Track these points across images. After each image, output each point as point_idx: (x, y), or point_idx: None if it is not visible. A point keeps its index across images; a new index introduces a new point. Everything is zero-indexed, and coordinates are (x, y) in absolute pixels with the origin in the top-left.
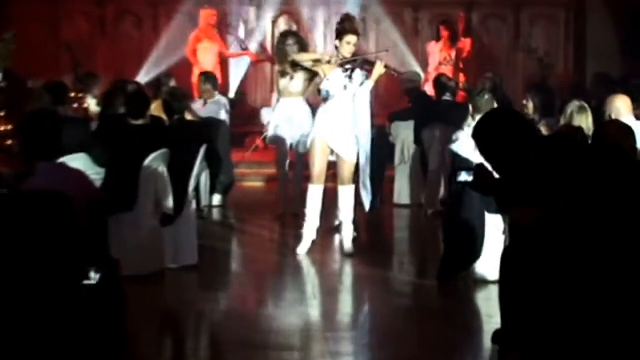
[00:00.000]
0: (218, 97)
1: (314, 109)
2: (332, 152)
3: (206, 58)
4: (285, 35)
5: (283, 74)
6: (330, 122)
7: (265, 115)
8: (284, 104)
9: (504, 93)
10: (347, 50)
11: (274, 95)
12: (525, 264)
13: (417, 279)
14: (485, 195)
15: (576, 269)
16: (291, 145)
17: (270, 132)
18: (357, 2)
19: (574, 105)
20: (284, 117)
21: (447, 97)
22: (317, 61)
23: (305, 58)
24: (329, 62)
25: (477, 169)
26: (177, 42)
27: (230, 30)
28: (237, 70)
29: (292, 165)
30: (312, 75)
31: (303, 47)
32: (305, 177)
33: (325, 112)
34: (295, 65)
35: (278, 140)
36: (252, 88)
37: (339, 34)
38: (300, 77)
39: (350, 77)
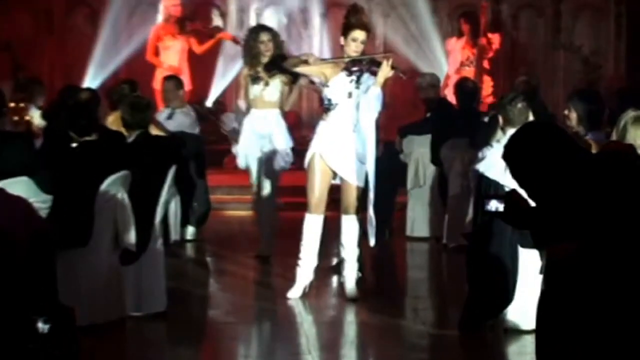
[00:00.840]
0: (187, 106)
1: (289, 125)
2: (335, 175)
3: (170, 58)
4: (256, 30)
5: (255, 79)
6: (332, 138)
7: (228, 121)
8: (256, 115)
9: (541, 101)
10: (354, 49)
11: (240, 102)
12: (567, 311)
13: (436, 328)
14: (520, 228)
15: (627, 319)
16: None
17: (239, 151)
18: None
19: (628, 116)
20: (255, 131)
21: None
22: (304, 63)
23: (294, 63)
24: (306, 61)
25: (510, 196)
26: (135, 37)
27: (189, 25)
28: (223, 78)
29: (277, 189)
30: (292, 79)
31: (279, 45)
32: (294, 205)
33: (327, 126)
34: (273, 69)
35: (250, 162)
36: (234, 99)
37: (345, 30)
38: (277, 83)
39: (357, 82)
